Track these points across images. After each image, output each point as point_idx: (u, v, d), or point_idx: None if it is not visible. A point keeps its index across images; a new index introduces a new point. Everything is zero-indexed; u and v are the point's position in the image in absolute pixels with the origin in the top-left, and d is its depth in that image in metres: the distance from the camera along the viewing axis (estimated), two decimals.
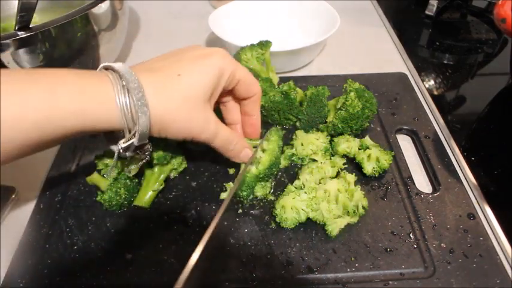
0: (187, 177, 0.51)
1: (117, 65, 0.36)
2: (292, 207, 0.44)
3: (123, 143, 0.37)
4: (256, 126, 0.49)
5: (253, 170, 0.46)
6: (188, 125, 0.39)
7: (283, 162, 0.51)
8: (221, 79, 0.41)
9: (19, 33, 0.49)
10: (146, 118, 0.36)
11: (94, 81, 0.35)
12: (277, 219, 0.44)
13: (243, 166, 0.47)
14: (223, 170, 0.52)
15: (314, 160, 0.50)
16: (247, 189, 0.45)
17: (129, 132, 0.36)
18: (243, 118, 0.49)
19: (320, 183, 0.47)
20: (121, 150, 0.38)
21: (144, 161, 0.42)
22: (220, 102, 0.48)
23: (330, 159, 0.50)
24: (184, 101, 0.38)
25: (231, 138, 0.44)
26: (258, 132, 0.49)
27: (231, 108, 0.48)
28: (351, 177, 0.47)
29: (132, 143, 0.37)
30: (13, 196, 0.50)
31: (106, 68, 0.37)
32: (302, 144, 0.51)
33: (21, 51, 0.51)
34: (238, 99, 0.47)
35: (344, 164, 0.50)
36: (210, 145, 0.43)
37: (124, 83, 0.35)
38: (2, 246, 0.45)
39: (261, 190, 0.47)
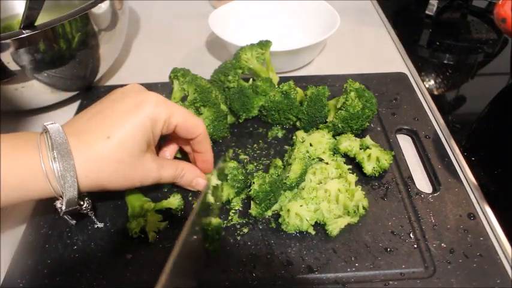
0: None
1: (51, 127, 0.36)
2: (297, 214, 0.44)
3: (60, 204, 0.38)
4: (208, 163, 0.47)
5: (211, 199, 0.44)
6: (127, 181, 0.40)
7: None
8: (155, 128, 0.39)
9: (24, 31, 0.49)
10: (73, 187, 0.36)
11: (21, 150, 0.35)
12: (280, 220, 0.44)
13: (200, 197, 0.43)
14: None
15: (320, 160, 0.50)
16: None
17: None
18: (195, 154, 0.47)
19: (321, 182, 0.47)
20: (60, 210, 0.39)
21: (87, 212, 0.43)
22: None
23: (336, 160, 0.50)
24: (118, 163, 0.38)
25: (177, 174, 0.44)
26: (211, 167, 0.48)
27: (183, 141, 0.47)
28: (352, 177, 0.47)
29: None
30: None
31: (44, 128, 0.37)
32: (311, 145, 0.51)
33: (21, 51, 0.51)
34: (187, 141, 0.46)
35: (349, 169, 0.49)
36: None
37: (54, 150, 0.35)
38: (2, 246, 0.45)
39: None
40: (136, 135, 0.38)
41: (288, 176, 0.46)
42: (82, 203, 0.41)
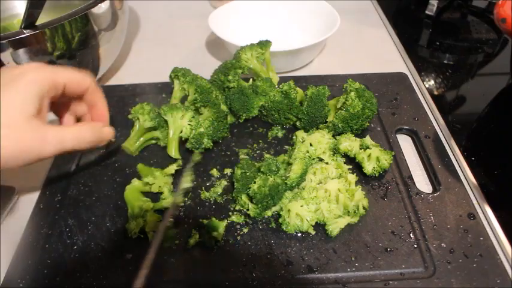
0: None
1: None
2: (298, 215, 0.44)
3: None
4: (104, 115, 0.47)
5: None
6: (24, 149, 0.37)
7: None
8: (42, 91, 0.38)
9: (25, 31, 0.49)
10: None
11: None
12: (280, 221, 0.44)
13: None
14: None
15: (320, 160, 0.50)
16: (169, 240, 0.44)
17: None
18: (91, 111, 0.47)
19: (321, 182, 0.47)
20: None
21: None
22: (62, 103, 0.46)
23: (336, 160, 0.50)
24: (5, 128, 0.36)
25: (81, 130, 0.42)
26: (107, 119, 0.47)
27: (76, 104, 0.46)
28: (352, 177, 0.47)
29: None
30: (13, 196, 0.50)
31: None
32: (311, 145, 0.51)
33: (21, 50, 0.51)
34: (79, 97, 0.45)
35: (349, 169, 0.49)
36: (69, 152, 0.41)
37: None
38: (2, 246, 0.45)
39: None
40: (22, 101, 0.37)
41: (288, 176, 0.46)
42: None
